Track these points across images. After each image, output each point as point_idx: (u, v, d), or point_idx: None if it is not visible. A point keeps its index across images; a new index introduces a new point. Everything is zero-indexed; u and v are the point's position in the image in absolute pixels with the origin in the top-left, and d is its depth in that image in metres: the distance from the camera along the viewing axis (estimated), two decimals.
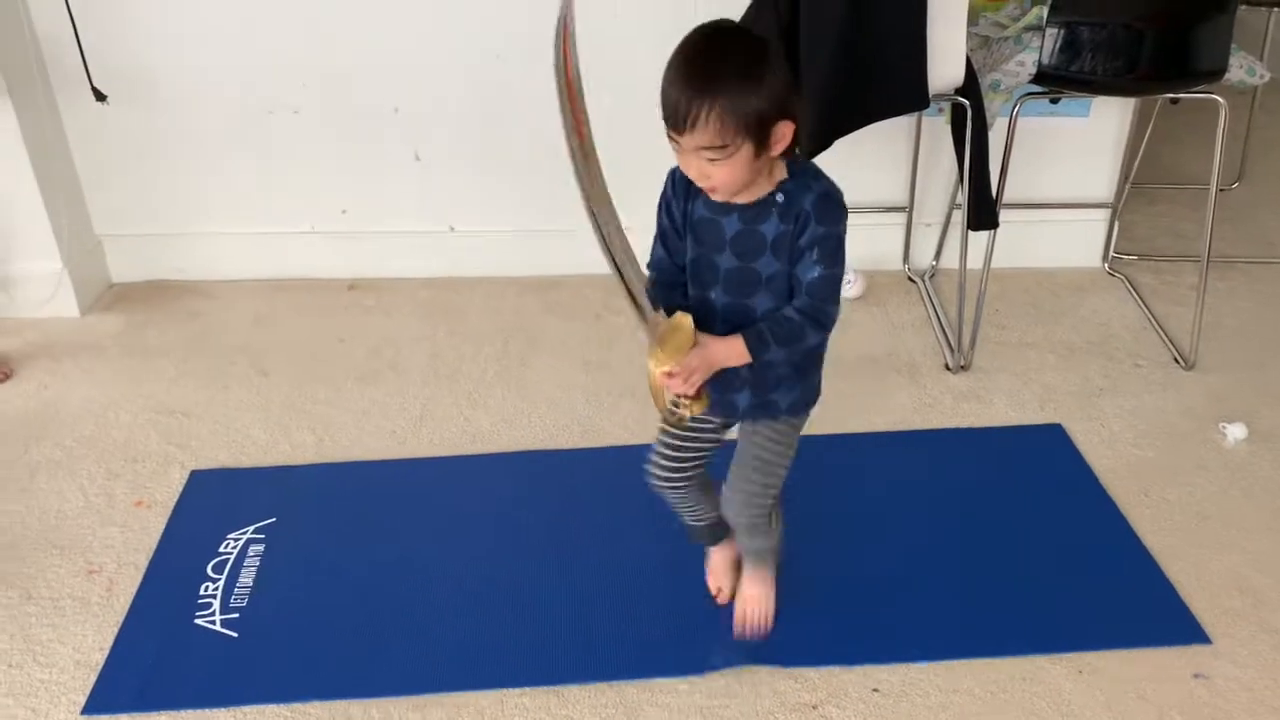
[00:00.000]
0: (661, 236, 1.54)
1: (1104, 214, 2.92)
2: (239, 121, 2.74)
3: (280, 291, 2.88)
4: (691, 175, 1.40)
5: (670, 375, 1.44)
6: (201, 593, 1.93)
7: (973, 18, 2.30)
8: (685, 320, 1.45)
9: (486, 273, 2.90)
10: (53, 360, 2.60)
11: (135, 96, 2.67)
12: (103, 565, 1.98)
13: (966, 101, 2.25)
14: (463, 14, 2.58)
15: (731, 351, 1.45)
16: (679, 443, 1.68)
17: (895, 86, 2.18)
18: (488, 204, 2.86)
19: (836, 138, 2.21)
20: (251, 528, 2.07)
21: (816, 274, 1.43)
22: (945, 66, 2.19)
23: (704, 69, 1.31)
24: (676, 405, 1.50)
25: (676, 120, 1.33)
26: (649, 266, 1.53)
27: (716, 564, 1.90)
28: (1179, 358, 2.55)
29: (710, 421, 1.64)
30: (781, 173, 1.43)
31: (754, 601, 1.81)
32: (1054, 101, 2.48)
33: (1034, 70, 2.30)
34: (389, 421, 2.37)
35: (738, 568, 1.87)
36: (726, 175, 1.37)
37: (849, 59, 2.11)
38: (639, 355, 2.58)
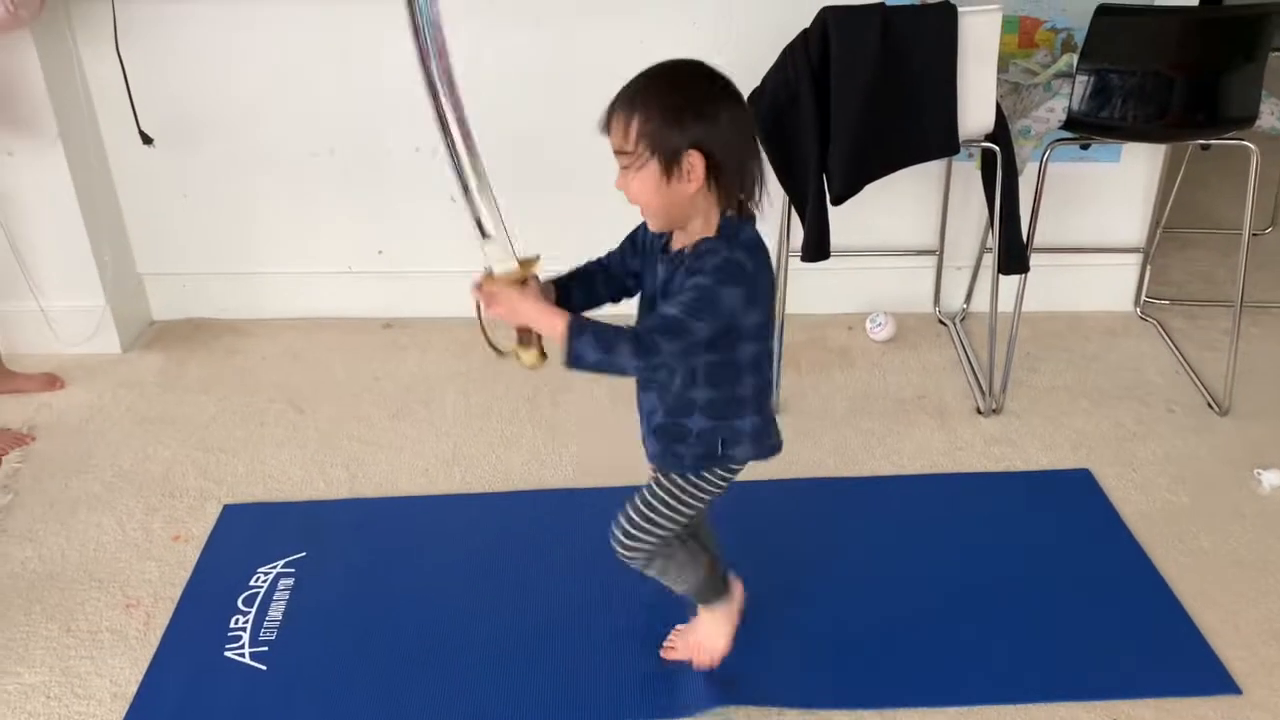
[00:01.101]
0: (624, 241, 1.61)
1: (1136, 258, 2.92)
2: (278, 164, 2.80)
3: (317, 330, 2.92)
4: (619, 185, 1.45)
5: (479, 289, 1.49)
6: (232, 625, 1.95)
7: (1003, 64, 2.33)
8: (531, 264, 1.50)
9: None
10: (94, 395, 2.65)
11: (179, 140, 2.74)
12: (140, 599, 2.01)
13: (996, 147, 2.27)
14: (492, 51, 2.63)
15: (546, 317, 1.44)
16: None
17: (926, 132, 2.21)
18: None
19: (867, 182, 2.23)
20: (282, 562, 2.10)
21: (670, 310, 1.41)
22: (976, 112, 2.21)
23: (639, 86, 1.40)
24: (495, 343, 1.55)
25: (602, 123, 1.43)
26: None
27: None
28: (1213, 403, 2.54)
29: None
30: (710, 230, 1.44)
31: (696, 645, 1.81)
32: (1085, 147, 2.49)
33: (1064, 116, 2.32)
34: (421, 460, 2.40)
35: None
36: (638, 190, 1.41)
37: (880, 104, 2.14)
38: None
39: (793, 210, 2.37)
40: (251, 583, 2.05)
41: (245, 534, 2.18)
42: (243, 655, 1.89)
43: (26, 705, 1.79)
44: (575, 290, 1.58)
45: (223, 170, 2.81)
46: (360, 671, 1.86)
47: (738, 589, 1.83)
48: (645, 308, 1.56)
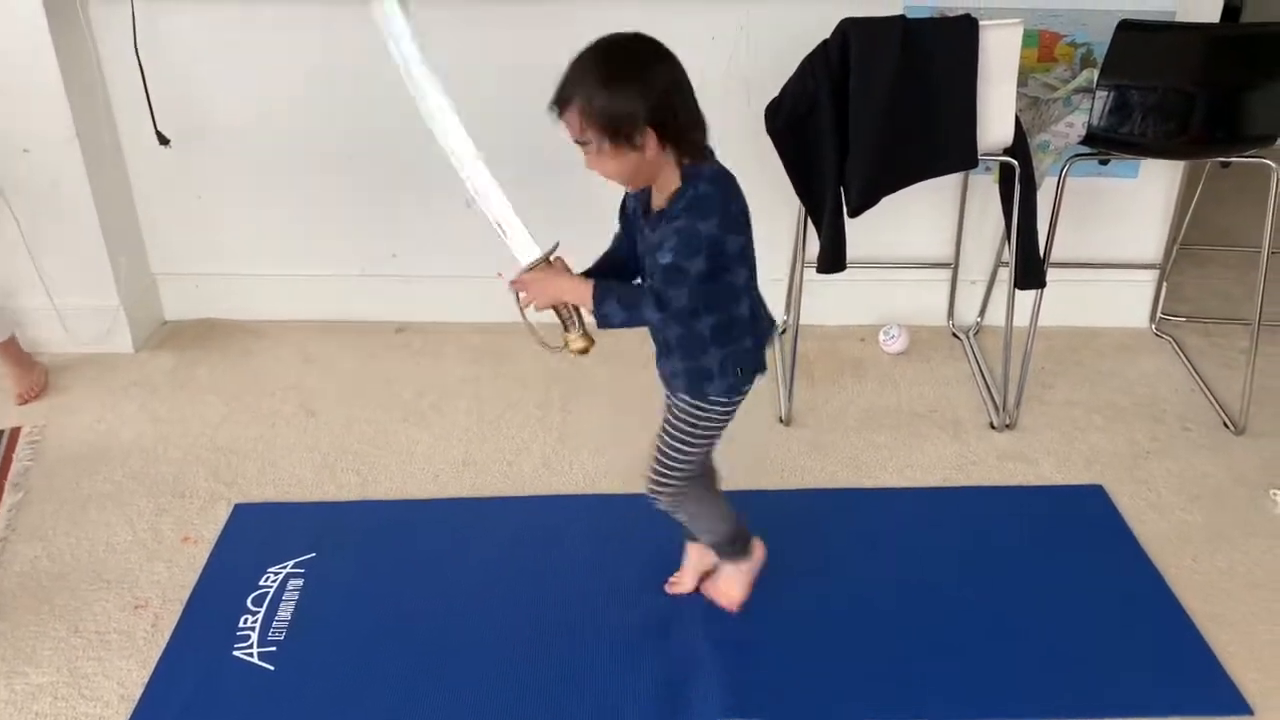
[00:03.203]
0: (619, 219, 1.72)
1: (1152, 275, 2.91)
2: (293, 167, 2.80)
3: (329, 333, 2.92)
4: (588, 167, 1.55)
5: (515, 284, 1.64)
6: (240, 625, 1.95)
7: (1022, 78, 2.31)
8: (551, 252, 1.64)
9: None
10: (106, 395, 2.65)
11: (195, 140, 2.74)
12: (148, 600, 2.01)
13: (1015, 161, 2.26)
14: (511, 66, 2.62)
15: (577, 290, 1.60)
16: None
17: (945, 145, 2.20)
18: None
19: (885, 194, 2.23)
20: (291, 562, 2.10)
21: (667, 260, 1.52)
22: (994, 127, 2.21)
23: (578, 69, 1.49)
24: (548, 342, 1.69)
25: (554, 118, 1.52)
26: None
27: (687, 560, 2.01)
28: (1229, 422, 2.52)
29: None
30: (676, 180, 1.55)
31: (717, 590, 1.96)
32: (1103, 163, 2.48)
33: (1083, 131, 2.31)
34: (431, 465, 2.39)
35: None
36: (604, 169, 1.53)
37: (899, 117, 2.13)
38: None
39: (809, 221, 2.36)
40: (261, 582, 2.05)
41: (256, 534, 2.18)
42: (251, 655, 1.89)
43: (34, 706, 1.79)
44: (607, 273, 1.68)
45: (237, 172, 2.81)
46: (368, 673, 1.85)
47: (759, 549, 1.93)
48: (645, 268, 1.64)
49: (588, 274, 1.67)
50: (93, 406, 2.61)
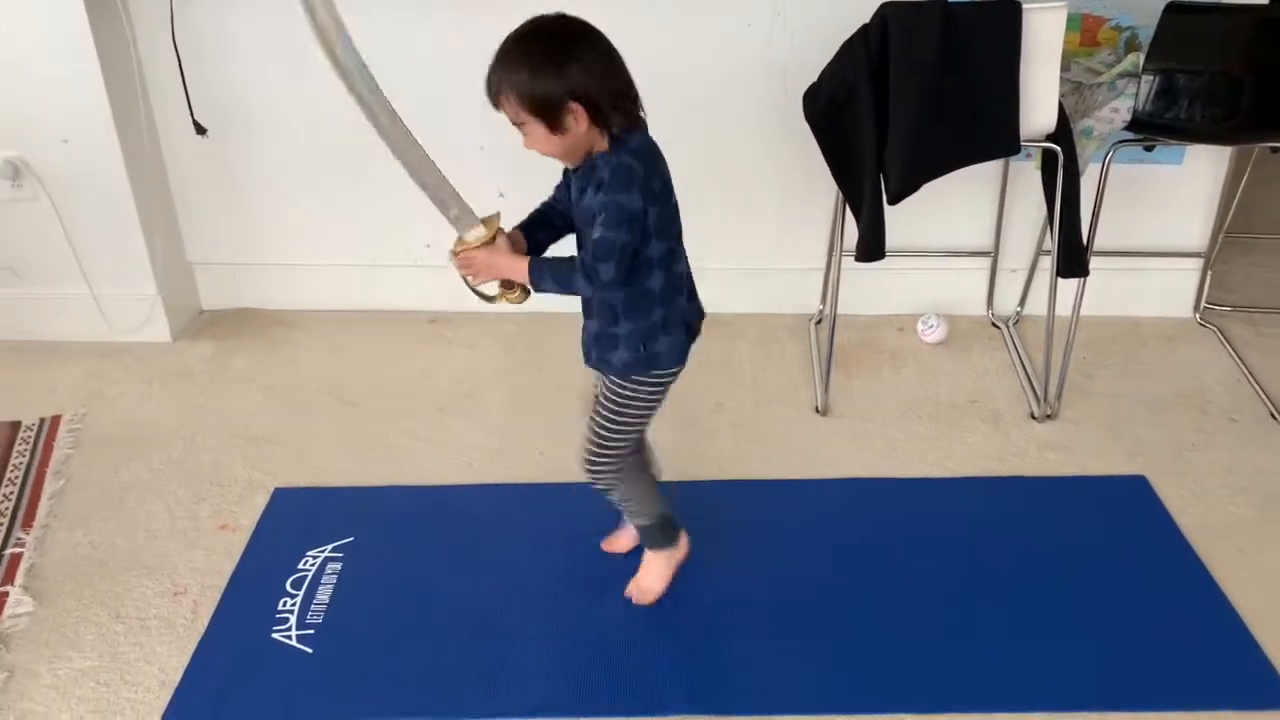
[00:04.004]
0: (562, 176, 1.76)
1: (1196, 263, 2.85)
2: (330, 156, 2.80)
3: (364, 323, 2.93)
4: (526, 146, 1.62)
5: (455, 254, 1.70)
6: (280, 607, 1.97)
7: (1065, 63, 2.27)
8: (492, 221, 1.69)
9: (562, 309, 2.92)
10: (144, 384, 2.67)
11: (232, 130, 2.75)
12: (187, 587, 2.02)
13: (1058, 148, 2.22)
14: None
15: (514, 266, 1.67)
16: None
17: (986, 131, 2.16)
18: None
19: (925, 180, 2.19)
20: (330, 546, 2.11)
21: (597, 235, 1.57)
22: (1037, 112, 2.17)
23: (504, 57, 1.54)
24: (483, 292, 1.76)
25: (491, 102, 1.58)
26: None
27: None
28: (1276, 413, 2.47)
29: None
30: (603, 145, 1.60)
31: (636, 584, 1.97)
32: (1148, 149, 2.44)
33: (1128, 117, 2.27)
34: (465, 455, 2.39)
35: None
36: (540, 146, 1.59)
37: (939, 103, 2.10)
38: (716, 394, 2.60)
39: (846, 208, 2.34)
40: (300, 566, 2.06)
41: (295, 518, 2.19)
42: (289, 637, 1.90)
43: (76, 690, 1.81)
44: (539, 232, 1.76)
45: (274, 162, 2.81)
46: (404, 656, 1.86)
47: (684, 543, 1.97)
48: (577, 229, 1.72)
49: (527, 225, 1.76)
50: (132, 395, 2.63)
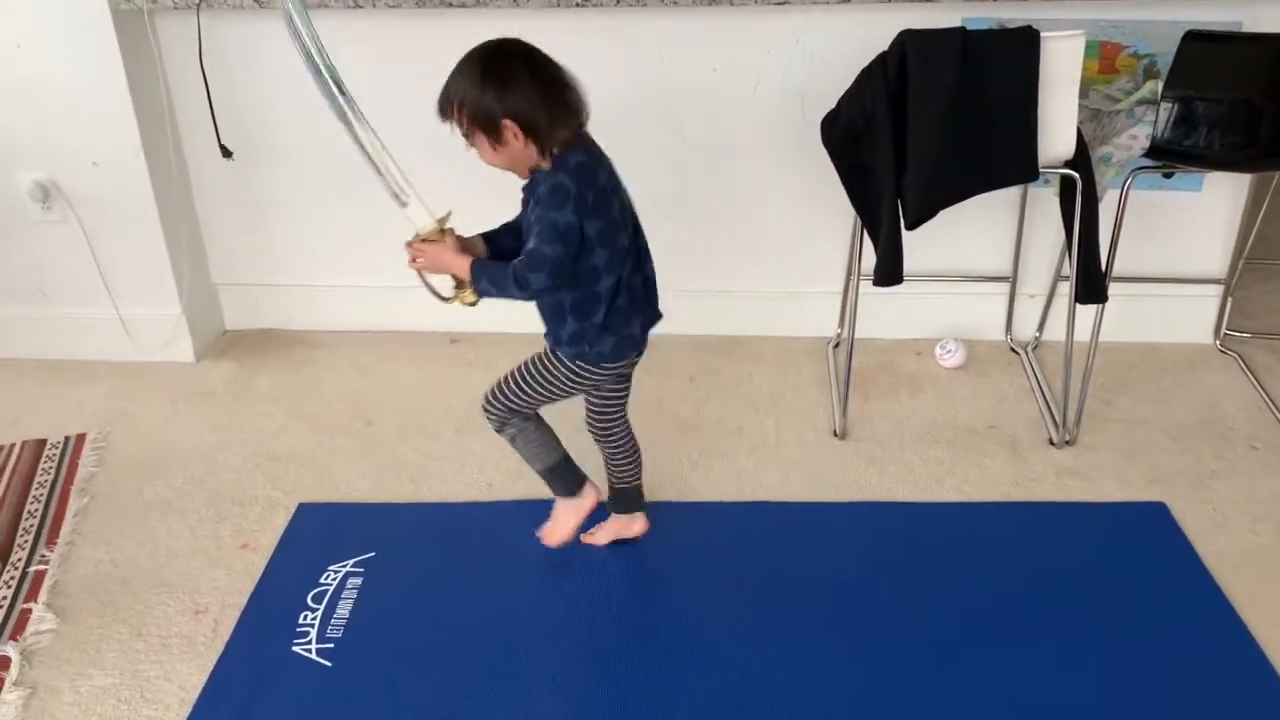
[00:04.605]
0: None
1: (1216, 290, 2.85)
2: (352, 179, 2.81)
3: (385, 343, 2.95)
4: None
5: (411, 248, 1.84)
6: (301, 621, 1.99)
7: (1083, 90, 2.28)
8: (444, 220, 1.84)
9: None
10: (168, 403, 2.71)
11: (256, 154, 2.79)
12: (208, 606, 2.04)
13: (1076, 174, 2.23)
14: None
15: (457, 263, 1.80)
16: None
17: (1005, 158, 2.17)
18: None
19: (943, 206, 2.20)
20: (351, 561, 2.13)
21: (530, 246, 1.72)
22: (1056, 139, 2.17)
23: (455, 74, 1.69)
24: (438, 291, 1.89)
25: (439, 112, 1.72)
26: None
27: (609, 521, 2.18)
28: None
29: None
30: (545, 164, 1.71)
31: (547, 527, 2.13)
32: (1167, 175, 2.44)
33: (1147, 144, 2.27)
34: (485, 475, 2.40)
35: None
36: (485, 159, 1.74)
37: (958, 130, 2.11)
38: (735, 417, 2.61)
39: (864, 233, 2.35)
40: (321, 580, 2.08)
41: (318, 533, 2.22)
42: (310, 651, 1.92)
43: (97, 708, 1.82)
44: (502, 237, 1.89)
45: (297, 184, 2.85)
46: (424, 672, 1.88)
47: (589, 493, 2.09)
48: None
49: (492, 231, 1.89)
50: (155, 414, 2.66)
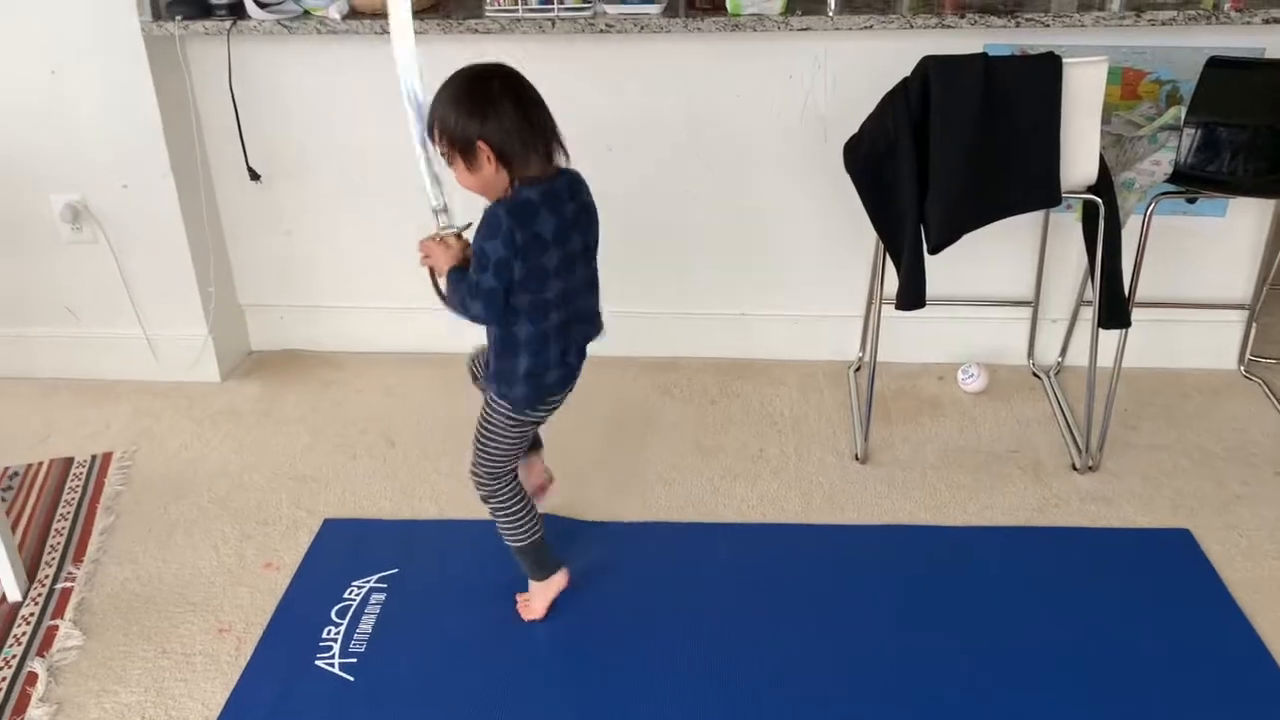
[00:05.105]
0: None
1: (1241, 315, 2.84)
2: (374, 203, 2.86)
3: (408, 365, 2.97)
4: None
5: (421, 243, 1.86)
6: (324, 635, 2.00)
7: (1106, 116, 2.29)
8: (464, 228, 1.84)
9: (605, 353, 2.95)
10: (194, 423, 2.73)
11: (283, 177, 2.83)
12: (232, 624, 2.05)
13: (1099, 200, 2.23)
14: (596, 107, 2.67)
15: (444, 266, 1.81)
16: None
17: (1027, 183, 2.18)
18: (607, 286, 2.93)
19: (966, 231, 2.21)
20: (375, 576, 2.15)
21: (470, 273, 1.73)
22: (1078, 165, 2.18)
23: (439, 94, 1.70)
24: (440, 292, 1.87)
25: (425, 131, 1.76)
26: None
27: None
28: None
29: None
30: (508, 193, 1.71)
31: (523, 601, 2.06)
32: (1190, 201, 2.44)
33: (1170, 170, 2.27)
34: None
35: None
36: (459, 179, 1.73)
37: (981, 154, 2.12)
38: (757, 440, 2.61)
39: (886, 257, 2.35)
40: (345, 595, 2.10)
41: (342, 548, 2.24)
42: (332, 665, 1.94)
43: None
44: None
45: (323, 207, 2.88)
46: (445, 688, 1.89)
47: (561, 576, 2.04)
48: None
49: None
50: (181, 434, 2.68)
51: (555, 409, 1.93)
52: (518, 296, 1.74)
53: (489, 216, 1.70)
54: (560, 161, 1.75)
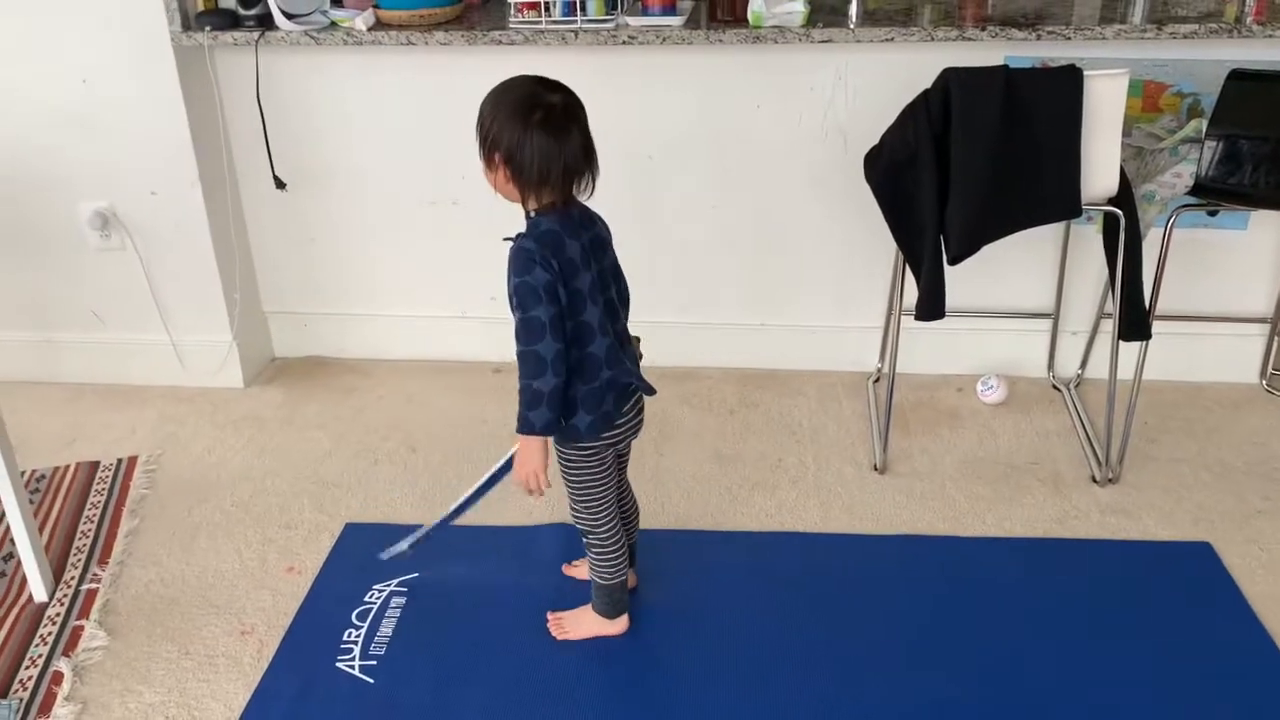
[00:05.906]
0: None
1: (1263, 329, 2.82)
2: (401, 211, 2.89)
3: (430, 372, 3.00)
4: None
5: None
6: (345, 638, 2.03)
7: (1127, 129, 2.29)
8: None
9: None
10: (217, 428, 2.76)
11: (309, 185, 2.86)
12: (254, 627, 2.07)
13: (1120, 212, 2.23)
14: (618, 119, 2.69)
15: (531, 455, 1.79)
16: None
17: (1048, 195, 2.18)
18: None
19: (986, 242, 2.21)
20: (395, 580, 2.17)
21: (516, 319, 1.70)
22: (1099, 177, 2.18)
23: (496, 88, 1.70)
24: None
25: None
26: None
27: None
28: None
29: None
30: (522, 225, 1.72)
31: (573, 619, 2.04)
32: (1212, 214, 2.43)
33: (1191, 182, 2.27)
34: (525, 502, 2.42)
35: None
36: (485, 175, 1.72)
37: (1002, 166, 2.12)
38: (776, 450, 2.61)
39: (906, 268, 2.36)
40: (366, 598, 2.12)
41: (363, 552, 2.25)
42: (353, 667, 1.96)
43: None
44: None
45: (347, 216, 2.91)
46: (463, 691, 1.91)
47: (623, 623, 2.02)
48: None
49: None
50: (205, 438, 2.71)
51: (627, 434, 1.89)
52: (578, 314, 1.73)
53: (517, 252, 1.68)
54: (583, 196, 1.74)
